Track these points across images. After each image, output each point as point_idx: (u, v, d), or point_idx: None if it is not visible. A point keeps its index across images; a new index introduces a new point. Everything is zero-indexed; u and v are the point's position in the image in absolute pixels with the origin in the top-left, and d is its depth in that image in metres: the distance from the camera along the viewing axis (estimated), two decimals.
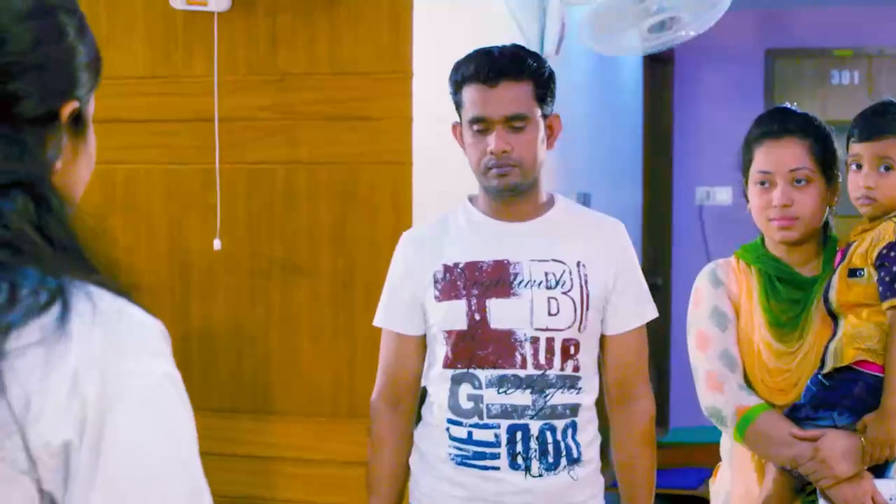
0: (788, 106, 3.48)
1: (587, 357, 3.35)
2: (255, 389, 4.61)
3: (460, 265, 3.34)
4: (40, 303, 1.34)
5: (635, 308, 3.43)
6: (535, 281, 3.30)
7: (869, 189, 3.22)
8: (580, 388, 3.33)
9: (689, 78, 9.58)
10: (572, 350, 3.31)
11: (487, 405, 3.28)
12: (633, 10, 5.39)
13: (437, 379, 3.39)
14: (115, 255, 1.51)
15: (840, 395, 3.15)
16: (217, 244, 4.57)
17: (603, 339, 3.42)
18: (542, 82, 3.32)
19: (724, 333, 3.36)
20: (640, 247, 8.77)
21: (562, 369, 3.29)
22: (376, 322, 3.52)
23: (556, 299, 3.29)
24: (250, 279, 4.63)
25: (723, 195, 9.12)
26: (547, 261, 3.32)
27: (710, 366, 3.34)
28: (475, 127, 3.30)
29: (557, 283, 3.31)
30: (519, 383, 3.27)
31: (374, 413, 3.53)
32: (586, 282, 3.32)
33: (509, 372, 3.28)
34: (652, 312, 3.48)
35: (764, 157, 3.32)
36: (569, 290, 3.31)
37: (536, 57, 3.37)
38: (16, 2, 1.46)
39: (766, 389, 3.31)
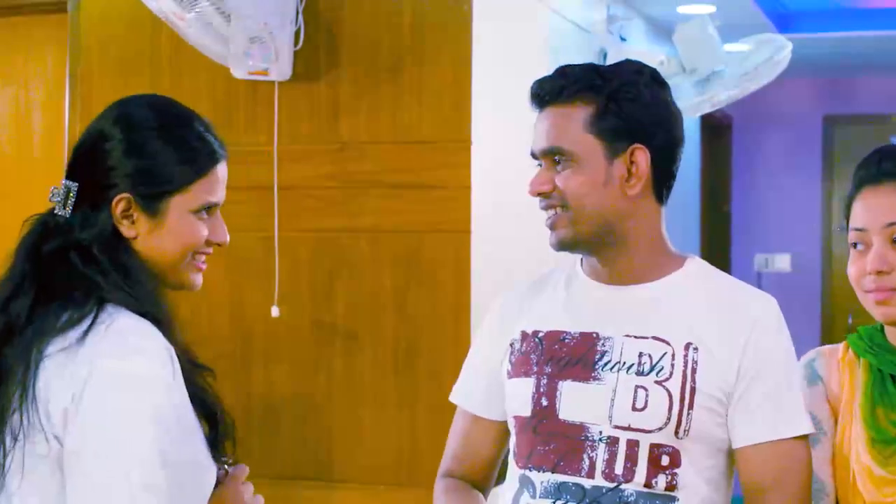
0: None
1: (694, 473, 2.46)
2: (316, 457, 4.62)
3: (540, 334, 2.57)
4: (72, 321, 2.12)
5: (768, 415, 2.47)
6: (624, 363, 2.47)
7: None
8: None
9: (747, 143, 9.58)
10: (665, 461, 2.43)
11: None
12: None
13: (508, 478, 2.61)
14: (162, 295, 2.26)
15: None
16: (275, 311, 4.60)
17: (734, 455, 2.53)
18: (608, 106, 2.49)
19: (814, 450, 2.52)
20: None
21: (647, 485, 2.43)
22: (451, 396, 2.79)
23: (646, 389, 2.44)
24: (312, 347, 4.64)
25: (782, 262, 9.09)
26: (645, 338, 2.48)
27: None
28: (535, 163, 2.59)
29: (652, 368, 2.45)
30: (581, 496, 2.44)
31: (436, 489, 2.79)
32: (694, 371, 2.44)
33: (571, 479, 2.46)
34: (796, 427, 2.48)
35: (859, 211, 2.51)
36: (665, 380, 2.44)
37: (611, 74, 2.53)
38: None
39: None
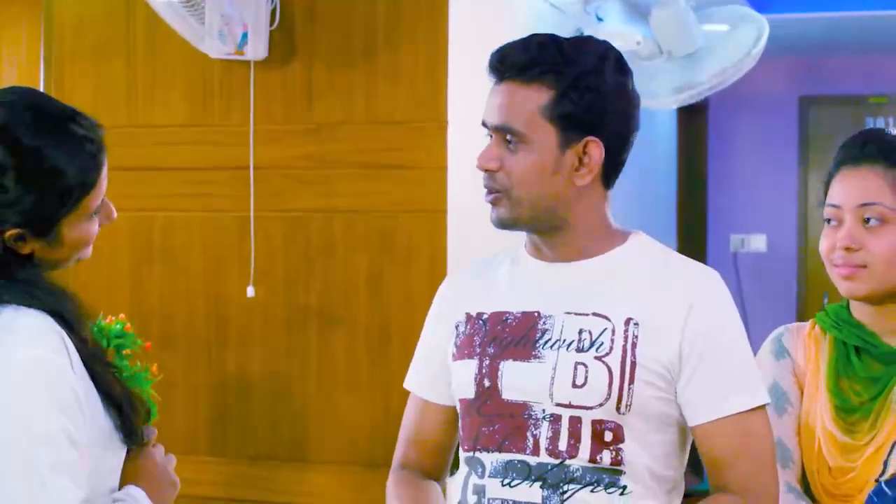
0: (882, 128, 2.74)
1: (639, 448, 2.44)
2: (291, 438, 4.62)
3: (484, 315, 2.55)
4: None
5: (721, 390, 2.43)
6: (564, 340, 2.45)
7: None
8: (623, 489, 2.43)
9: (723, 125, 9.59)
10: (609, 437, 2.42)
11: (489, 500, 2.47)
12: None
13: (460, 464, 2.60)
14: (68, 291, 2.22)
15: None
16: (251, 291, 4.60)
17: (692, 432, 2.50)
18: (568, 93, 2.42)
19: (781, 419, 2.63)
20: None
21: (592, 461, 2.41)
22: (405, 383, 2.80)
23: (586, 366, 2.42)
24: (286, 328, 4.64)
25: (758, 242, 9.11)
26: (585, 315, 2.45)
27: None
28: (484, 132, 2.52)
29: (592, 344, 2.43)
30: (527, 473, 2.44)
31: (389, 482, 2.73)
32: (634, 346, 2.42)
33: (517, 457, 2.45)
34: (750, 399, 2.44)
35: (837, 188, 2.61)
36: (605, 356, 2.42)
37: (575, 57, 2.44)
38: None
39: (825, 495, 2.59)
